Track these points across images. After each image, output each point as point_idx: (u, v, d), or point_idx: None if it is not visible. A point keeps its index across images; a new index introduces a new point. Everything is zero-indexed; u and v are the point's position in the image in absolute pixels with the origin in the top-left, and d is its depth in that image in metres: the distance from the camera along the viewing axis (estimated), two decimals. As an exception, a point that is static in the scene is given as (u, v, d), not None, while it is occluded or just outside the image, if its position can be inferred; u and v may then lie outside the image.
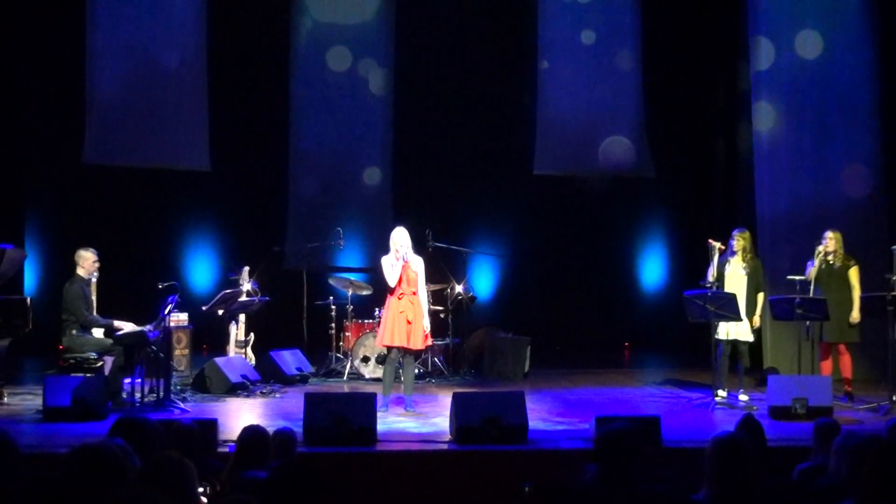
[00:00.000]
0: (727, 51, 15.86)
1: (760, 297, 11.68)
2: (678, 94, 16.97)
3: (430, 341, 11.32)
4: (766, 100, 14.10)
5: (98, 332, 11.04)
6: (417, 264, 10.96)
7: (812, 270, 11.68)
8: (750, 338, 11.63)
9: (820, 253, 11.69)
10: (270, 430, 6.51)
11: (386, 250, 11.04)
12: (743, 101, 14.88)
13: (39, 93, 15.65)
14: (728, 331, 11.44)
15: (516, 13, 16.92)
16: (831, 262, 11.74)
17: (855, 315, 11.57)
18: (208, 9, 16.11)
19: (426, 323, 10.94)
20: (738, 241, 11.69)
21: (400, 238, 10.85)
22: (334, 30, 16.67)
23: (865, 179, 13.75)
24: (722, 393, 11.38)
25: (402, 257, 10.76)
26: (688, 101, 16.98)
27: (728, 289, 11.44)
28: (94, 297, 11.22)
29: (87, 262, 11.06)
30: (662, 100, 16.83)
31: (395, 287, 10.80)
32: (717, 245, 11.53)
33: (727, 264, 11.68)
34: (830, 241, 11.73)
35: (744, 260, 11.68)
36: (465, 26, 16.77)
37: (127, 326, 10.97)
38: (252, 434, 6.23)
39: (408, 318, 10.78)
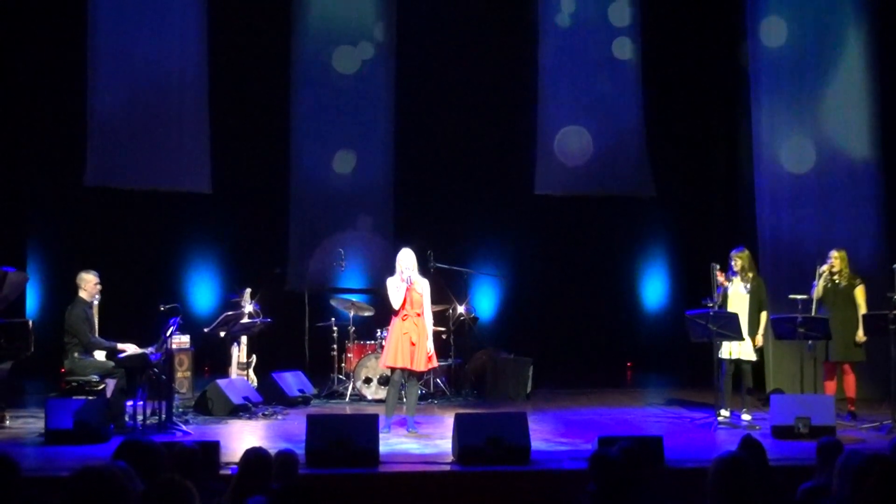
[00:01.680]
0: (728, 72, 15.88)
1: (763, 315, 11.65)
2: (679, 113, 16.99)
3: (434, 363, 11.31)
4: (766, 118, 14.13)
5: (100, 355, 11.02)
6: (423, 286, 10.97)
7: (817, 290, 11.69)
8: (753, 357, 11.61)
9: (824, 272, 11.70)
10: (272, 451, 6.50)
11: (388, 271, 11.06)
12: (742, 118, 14.91)
13: (41, 116, 15.67)
14: (731, 350, 11.43)
15: (517, 36, 16.96)
16: (837, 281, 11.75)
17: (860, 334, 11.56)
18: (209, 32, 16.15)
19: (430, 345, 10.93)
20: (737, 262, 11.68)
21: (405, 260, 10.87)
22: (335, 52, 16.70)
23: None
24: (725, 412, 11.37)
25: (406, 279, 10.77)
26: (688, 120, 16.99)
27: (731, 309, 11.43)
28: (96, 320, 11.21)
29: (88, 285, 11.05)
30: (663, 119, 16.85)
31: (400, 308, 10.82)
32: (717, 269, 11.53)
33: (730, 284, 11.68)
34: (836, 261, 11.75)
35: (744, 279, 11.68)
36: (465, 48, 16.81)
37: (130, 348, 10.96)
38: (254, 456, 6.22)
39: (412, 339, 10.78)
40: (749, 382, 11.72)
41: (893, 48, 14.00)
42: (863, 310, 11.63)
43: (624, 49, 16.67)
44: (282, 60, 16.68)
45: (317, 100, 16.73)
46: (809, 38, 14.09)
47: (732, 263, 11.68)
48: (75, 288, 11.06)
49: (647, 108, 16.73)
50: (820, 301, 11.74)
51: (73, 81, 15.52)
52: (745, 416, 11.42)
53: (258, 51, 16.52)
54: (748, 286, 11.65)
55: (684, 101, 16.93)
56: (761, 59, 14.24)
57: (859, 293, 11.73)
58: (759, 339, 11.67)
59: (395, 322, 10.89)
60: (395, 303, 10.83)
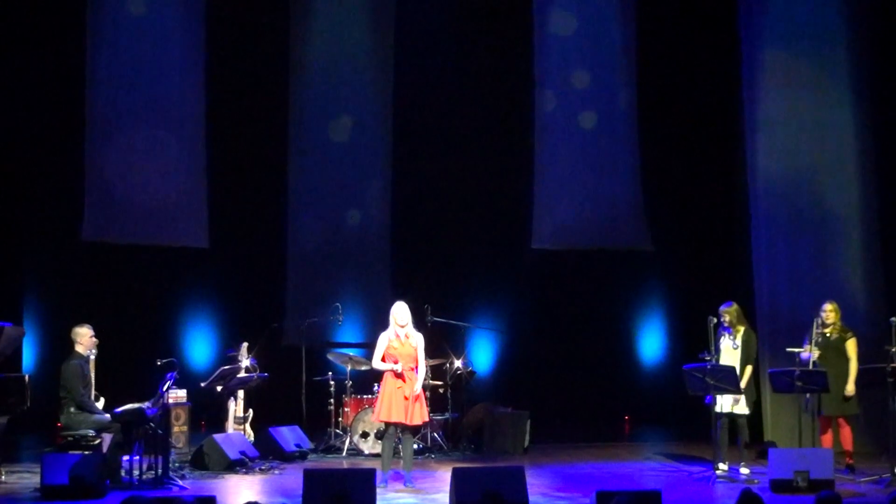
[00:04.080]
0: (724, 125, 15.97)
1: (748, 369, 11.66)
2: (676, 166, 17.02)
3: (425, 417, 11.30)
4: (763, 172, 14.21)
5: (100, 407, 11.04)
6: (417, 340, 11.05)
7: (812, 354, 11.66)
8: (746, 410, 11.60)
9: (816, 335, 11.69)
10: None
11: (384, 326, 11.11)
12: (739, 172, 14.97)
13: (38, 169, 15.70)
14: (723, 404, 11.42)
15: (514, 89, 17.06)
16: (828, 334, 11.76)
17: (850, 388, 11.56)
18: (206, 85, 16.25)
19: (418, 386, 10.96)
20: (725, 317, 11.73)
21: (399, 313, 10.97)
22: (333, 105, 16.80)
23: None
24: (723, 466, 11.36)
25: (402, 336, 10.87)
26: (685, 173, 17.02)
27: (723, 362, 11.44)
28: (92, 375, 11.19)
29: (84, 339, 11.05)
30: (660, 173, 16.89)
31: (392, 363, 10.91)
32: (714, 322, 11.58)
33: (722, 338, 11.70)
34: (830, 314, 11.77)
35: (733, 334, 11.71)
36: (462, 100, 16.91)
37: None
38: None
39: (405, 393, 10.82)
40: (745, 436, 11.70)
41: (888, 99, 14.10)
42: (853, 363, 11.63)
43: (621, 102, 16.76)
44: (279, 115, 16.76)
45: (314, 154, 16.80)
46: (805, 83, 14.16)
47: (723, 318, 11.73)
48: (72, 343, 11.05)
49: (643, 162, 16.78)
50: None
51: (72, 136, 15.58)
52: (744, 470, 11.40)
53: (256, 105, 16.59)
54: (736, 340, 11.69)
55: (681, 154, 16.97)
56: (757, 111, 14.33)
57: (850, 346, 11.73)
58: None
59: (388, 376, 10.94)
60: (375, 360, 11.02)
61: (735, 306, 11.84)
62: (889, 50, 14.16)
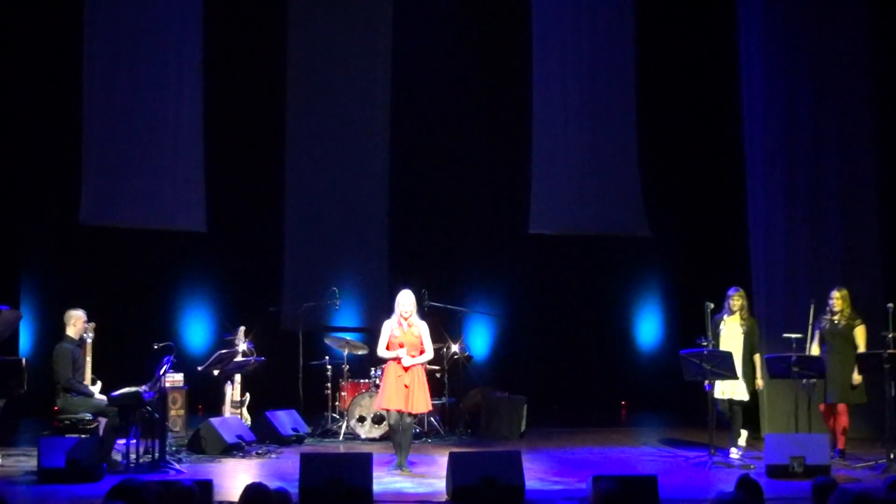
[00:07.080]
0: (722, 109, 15.93)
1: (757, 358, 11.69)
2: (674, 152, 17.00)
3: (428, 406, 11.33)
4: (760, 155, 14.20)
5: (94, 390, 11.03)
6: (421, 329, 11.08)
7: (815, 343, 11.68)
8: (745, 397, 11.63)
9: (825, 320, 11.70)
10: (266, 490, 6.47)
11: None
12: (737, 159, 14.95)
13: (36, 153, 15.65)
14: (724, 390, 11.44)
15: (511, 74, 17.02)
16: (836, 321, 11.71)
17: (856, 376, 11.51)
18: (204, 70, 16.19)
19: (418, 360, 10.99)
20: (737, 301, 11.73)
21: (404, 301, 11.02)
22: (331, 91, 16.77)
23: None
24: (733, 450, 11.43)
25: (404, 323, 10.94)
26: (683, 159, 17.00)
27: (724, 347, 11.44)
28: (88, 358, 11.18)
29: (76, 322, 11.04)
30: (658, 159, 16.86)
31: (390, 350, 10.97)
32: (711, 307, 11.59)
33: (723, 323, 11.68)
34: (837, 301, 11.71)
35: (741, 318, 11.70)
36: (460, 88, 16.88)
37: (100, 397, 10.95)
38: (254, 492, 6.18)
39: (405, 382, 10.84)
40: (739, 422, 11.71)
41: (888, 85, 14.09)
42: (862, 350, 11.54)
43: (619, 89, 16.72)
44: (278, 99, 16.73)
45: (312, 138, 16.77)
46: (803, 68, 14.13)
47: (731, 303, 11.71)
48: (63, 326, 11.06)
49: (641, 148, 16.74)
50: (822, 340, 11.74)
51: (69, 119, 15.52)
52: (734, 454, 11.44)
53: (254, 90, 16.57)
54: (744, 325, 11.69)
55: (679, 140, 16.95)
56: (756, 98, 14.31)
57: (859, 333, 11.64)
58: (760, 382, 11.72)
59: (391, 364, 10.97)
60: (380, 349, 11.07)
61: (742, 290, 11.89)
62: (888, 35, 14.13)
